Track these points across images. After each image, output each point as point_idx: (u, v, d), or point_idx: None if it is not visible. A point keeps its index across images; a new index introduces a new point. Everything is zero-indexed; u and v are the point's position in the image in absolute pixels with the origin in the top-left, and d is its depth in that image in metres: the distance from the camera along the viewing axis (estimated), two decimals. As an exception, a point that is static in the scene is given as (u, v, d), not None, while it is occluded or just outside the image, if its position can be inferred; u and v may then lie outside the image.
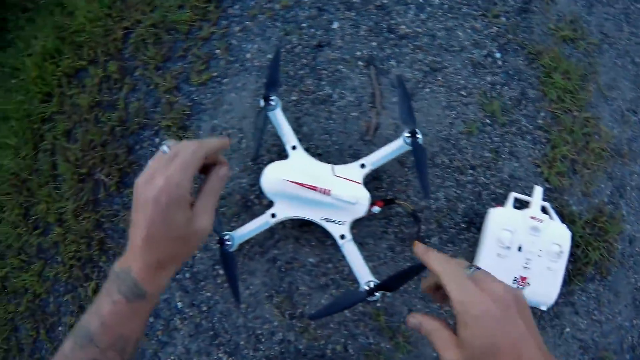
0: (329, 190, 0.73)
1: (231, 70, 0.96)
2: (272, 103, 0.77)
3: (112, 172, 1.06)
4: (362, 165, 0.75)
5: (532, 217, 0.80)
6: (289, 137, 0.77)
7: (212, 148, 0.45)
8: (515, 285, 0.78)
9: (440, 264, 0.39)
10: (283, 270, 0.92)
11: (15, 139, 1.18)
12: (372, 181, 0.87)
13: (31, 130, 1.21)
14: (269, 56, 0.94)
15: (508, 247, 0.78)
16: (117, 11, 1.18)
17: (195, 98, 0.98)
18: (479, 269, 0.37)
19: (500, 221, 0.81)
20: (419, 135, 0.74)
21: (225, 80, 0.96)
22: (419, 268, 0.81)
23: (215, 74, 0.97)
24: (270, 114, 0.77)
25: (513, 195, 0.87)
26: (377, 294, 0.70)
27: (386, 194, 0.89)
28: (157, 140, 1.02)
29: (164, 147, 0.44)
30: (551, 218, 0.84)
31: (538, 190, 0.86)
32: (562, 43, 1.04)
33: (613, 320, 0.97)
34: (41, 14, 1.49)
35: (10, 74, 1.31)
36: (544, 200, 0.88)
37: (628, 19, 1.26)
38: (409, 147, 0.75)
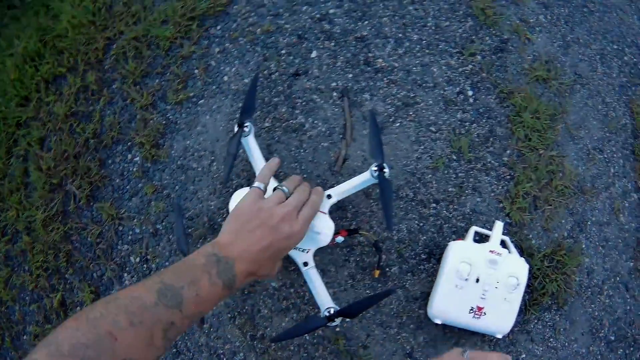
0: None
1: (208, 92, 0.97)
2: (246, 129, 0.77)
3: (83, 185, 1.06)
4: (329, 196, 0.76)
5: (491, 251, 0.83)
6: (260, 164, 0.78)
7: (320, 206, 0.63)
8: (471, 315, 0.81)
9: None
10: (246, 292, 0.93)
11: (-12, 142, 1.17)
12: (336, 210, 0.89)
13: (5, 134, 1.20)
14: (246, 80, 0.95)
15: (466, 279, 0.81)
16: (101, 19, 1.17)
17: (170, 117, 0.99)
18: (471, 350, 0.48)
19: (460, 254, 0.84)
20: (386, 170, 0.76)
21: (201, 102, 0.97)
22: (378, 297, 0.85)
23: (192, 94, 0.98)
24: (243, 140, 0.77)
25: (474, 229, 0.89)
26: (336, 320, 0.72)
27: (350, 224, 0.90)
28: (129, 156, 1.02)
29: (284, 189, 0.58)
30: (510, 252, 0.88)
31: (498, 225, 0.89)
32: (534, 83, 1.07)
33: (569, 347, 1.01)
34: (26, 13, 1.47)
35: (-13, 75, 1.30)
36: (504, 234, 0.91)
37: (603, 60, 1.30)
38: (375, 181, 0.76)
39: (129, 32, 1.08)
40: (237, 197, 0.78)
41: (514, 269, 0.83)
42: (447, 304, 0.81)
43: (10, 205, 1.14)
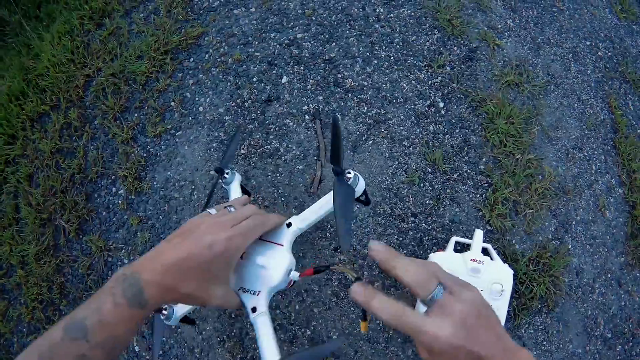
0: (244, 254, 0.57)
1: (185, 124, 0.99)
2: (226, 176, 0.71)
3: (72, 219, 1.08)
4: (289, 225, 0.58)
5: (472, 260, 0.83)
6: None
7: (272, 226, 0.50)
8: None
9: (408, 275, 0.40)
10: (233, 316, 0.95)
11: (-22, 183, 1.20)
12: (316, 230, 0.91)
13: (-5, 173, 1.23)
14: (220, 110, 0.97)
15: None
16: (80, 57, 1.21)
17: (151, 149, 1.01)
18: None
19: (441, 265, 0.86)
20: (351, 174, 0.58)
21: (179, 133, 0.99)
22: (327, 350, 0.80)
23: (169, 126, 1.00)
24: (227, 187, 0.73)
25: (454, 239, 0.90)
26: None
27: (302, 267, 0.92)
28: (114, 189, 1.04)
29: (231, 208, 0.50)
30: (492, 259, 0.88)
31: (478, 234, 0.89)
32: (506, 88, 1.09)
33: (564, 348, 1.01)
34: (9, 53, 1.51)
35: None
36: (486, 242, 0.92)
37: (576, 57, 1.31)
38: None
39: (106, 69, 1.11)
40: None
41: (498, 276, 0.83)
42: None
43: (4, 241, 1.17)
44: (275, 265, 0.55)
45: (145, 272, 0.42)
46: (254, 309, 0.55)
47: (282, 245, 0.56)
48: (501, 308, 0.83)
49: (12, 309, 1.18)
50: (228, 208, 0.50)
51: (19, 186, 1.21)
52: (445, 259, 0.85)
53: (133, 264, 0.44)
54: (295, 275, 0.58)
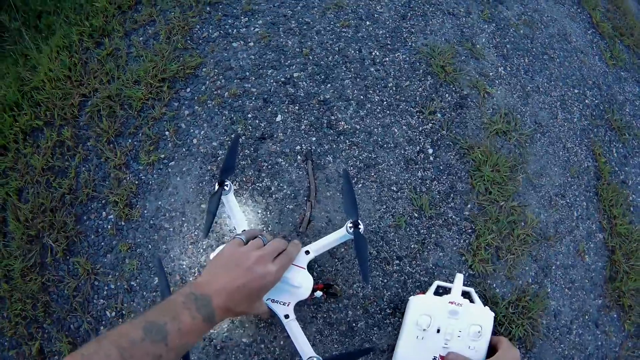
0: None
1: (178, 154, 1.00)
2: (226, 188, 0.80)
3: (60, 239, 1.09)
4: (307, 252, 0.81)
5: (451, 302, 0.86)
6: (240, 221, 0.82)
7: (296, 255, 0.70)
8: None
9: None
10: (218, 348, 0.96)
11: (-33, 193, 1.20)
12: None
13: (-16, 183, 1.23)
14: (215, 144, 0.99)
15: (425, 329, 0.85)
16: (77, 75, 1.21)
17: (143, 177, 1.02)
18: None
19: (420, 307, 0.88)
20: (361, 226, 0.80)
21: (171, 164, 1.01)
22: (363, 352, 0.90)
23: (162, 155, 1.01)
24: (223, 197, 0.81)
25: (437, 283, 0.94)
26: None
27: (316, 282, 0.94)
28: (104, 214, 1.05)
29: (264, 239, 0.66)
30: (472, 302, 0.90)
31: (459, 278, 0.93)
32: (494, 136, 1.12)
33: None
34: (6, 60, 1.50)
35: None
36: (468, 285, 0.95)
37: (563, 105, 1.36)
38: (351, 237, 0.80)
39: (103, 90, 1.12)
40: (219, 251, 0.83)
41: (477, 318, 0.86)
42: (410, 354, 0.85)
43: (-11, 255, 1.16)
44: (305, 284, 0.77)
45: (214, 297, 0.54)
46: (286, 316, 0.79)
47: (304, 269, 0.78)
48: (480, 349, 0.85)
49: (-6, 322, 1.18)
50: (260, 238, 0.65)
51: (7, 199, 1.21)
52: (425, 302, 0.88)
53: (197, 284, 0.55)
54: (318, 293, 0.86)
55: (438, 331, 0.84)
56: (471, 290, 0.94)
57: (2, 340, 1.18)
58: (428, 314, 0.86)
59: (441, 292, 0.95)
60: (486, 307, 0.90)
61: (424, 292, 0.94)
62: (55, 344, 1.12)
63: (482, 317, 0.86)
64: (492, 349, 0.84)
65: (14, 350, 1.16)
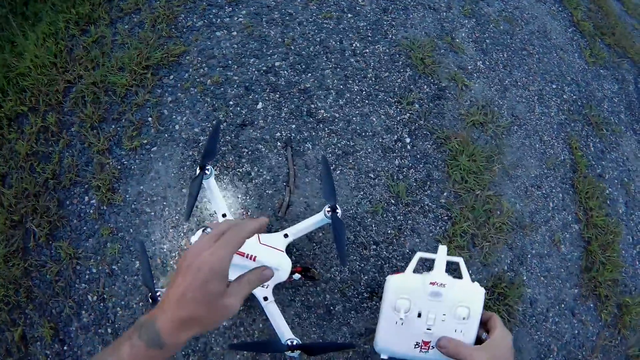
0: (255, 257, 0.77)
1: (160, 140, 1.02)
2: (207, 172, 0.80)
3: (43, 224, 1.10)
4: (286, 235, 0.81)
5: (432, 283, 0.72)
6: (221, 205, 0.83)
7: (252, 231, 0.52)
8: (417, 350, 0.74)
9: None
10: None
11: (-51, 179, 1.20)
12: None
13: (-33, 169, 1.23)
14: (197, 130, 1.01)
15: (405, 315, 0.73)
16: (62, 62, 1.22)
17: (125, 162, 1.04)
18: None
19: (398, 289, 0.75)
20: (339, 211, 0.81)
21: (154, 149, 1.02)
22: (339, 346, 0.89)
23: (145, 141, 1.03)
24: (204, 181, 0.82)
25: (419, 255, 0.80)
26: (296, 352, 0.76)
27: (294, 265, 0.97)
28: (86, 198, 1.06)
29: (207, 230, 0.53)
30: (459, 277, 0.76)
31: (442, 250, 0.77)
32: (471, 127, 1.15)
33: None
34: (-9, 47, 1.50)
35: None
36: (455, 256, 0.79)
37: (541, 100, 1.39)
38: (328, 221, 0.81)
39: (87, 77, 1.13)
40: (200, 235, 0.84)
41: (465, 297, 0.72)
42: (390, 340, 0.74)
43: (-28, 240, 1.17)
44: (283, 266, 0.76)
45: (159, 316, 0.47)
46: (265, 298, 0.79)
47: (283, 251, 0.78)
48: (469, 332, 0.72)
49: (-24, 307, 1.19)
50: (204, 231, 0.54)
51: (-9, 185, 1.22)
52: (403, 283, 0.75)
53: (149, 311, 0.48)
54: (296, 275, 0.85)
55: (419, 315, 0.73)
56: (460, 260, 0.78)
57: (-17, 325, 1.19)
58: (407, 297, 0.73)
59: (428, 266, 0.96)
60: (475, 282, 0.75)
61: (402, 271, 0.77)
62: (37, 330, 1.13)
63: (470, 296, 0.72)
64: (482, 325, 0.72)
65: (-4, 335, 1.17)
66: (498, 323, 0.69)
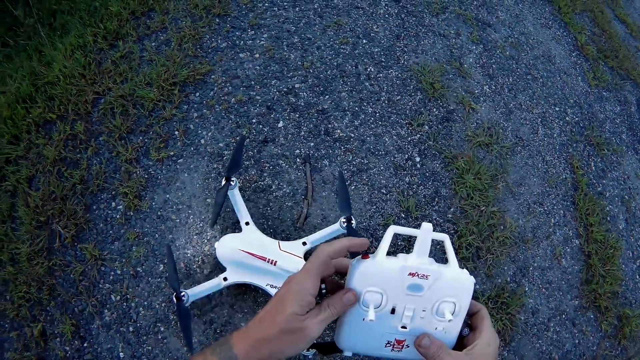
0: (276, 262, 0.86)
1: (186, 152, 1.09)
2: (232, 183, 0.88)
3: (69, 226, 1.16)
4: (304, 243, 0.88)
5: (412, 274, 0.51)
6: (244, 214, 0.90)
7: (336, 251, 0.49)
8: (389, 349, 0.56)
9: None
10: (219, 331, 1.04)
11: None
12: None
13: (-5, 169, 1.29)
14: (221, 144, 1.07)
15: (376, 312, 0.53)
16: (91, 74, 1.28)
17: (152, 172, 1.10)
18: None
19: (366, 278, 0.52)
20: (354, 222, 0.88)
21: (180, 161, 1.09)
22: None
23: (172, 153, 1.09)
24: (229, 192, 0.89)
25: (392, 229, 0.51)
26: (311, 351, 0.83)
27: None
28: (113, 204, 1.13)
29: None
30: (445, 262, 0.52)
31: (426, 228, 0.51)
32: (477, 148, 1.22)
33: None
34: (20, 54, 1.57)
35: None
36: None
37: (544, 122, 1.46)
38: (344, 231, 0.88)
39: (116, 90, 1.20)
40: (225, 241, 0.89)
41: (451, 289, 0.52)
42: (356, 338, 0.56)
43: (-3, 237, 1.23)
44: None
45: (236, 334, 0.47)
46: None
47: (301, 258, 0.86)
48: (452, 330, 0.53)
49: (-3, 303, 1.24)
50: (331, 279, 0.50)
51: (18, 186, 1.28)
52: (374, 271, 0.50)
53: (230, 335, 0.49)
54: None
55: (393, 311, 0.53)
56: (445, 238, 0.53)
57: (3, 322, 1.25)
58: (378, 289, 0.51)
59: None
60: (464, 269, 0.55)
61: (370, 253, 0.52)
62: (58, 326, 1.19)
63: (458, 288, 0.52)
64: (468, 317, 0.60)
65: (15, 332, 1.22)
66: (486, 324, 0.52)
